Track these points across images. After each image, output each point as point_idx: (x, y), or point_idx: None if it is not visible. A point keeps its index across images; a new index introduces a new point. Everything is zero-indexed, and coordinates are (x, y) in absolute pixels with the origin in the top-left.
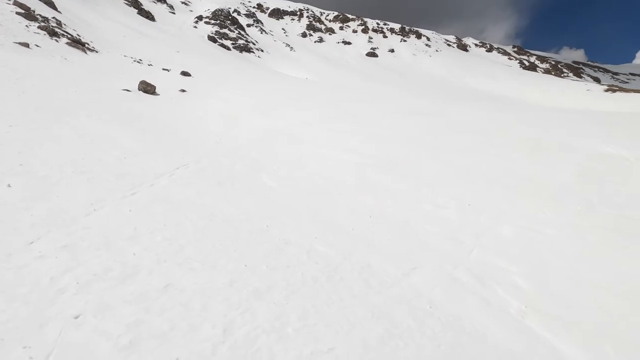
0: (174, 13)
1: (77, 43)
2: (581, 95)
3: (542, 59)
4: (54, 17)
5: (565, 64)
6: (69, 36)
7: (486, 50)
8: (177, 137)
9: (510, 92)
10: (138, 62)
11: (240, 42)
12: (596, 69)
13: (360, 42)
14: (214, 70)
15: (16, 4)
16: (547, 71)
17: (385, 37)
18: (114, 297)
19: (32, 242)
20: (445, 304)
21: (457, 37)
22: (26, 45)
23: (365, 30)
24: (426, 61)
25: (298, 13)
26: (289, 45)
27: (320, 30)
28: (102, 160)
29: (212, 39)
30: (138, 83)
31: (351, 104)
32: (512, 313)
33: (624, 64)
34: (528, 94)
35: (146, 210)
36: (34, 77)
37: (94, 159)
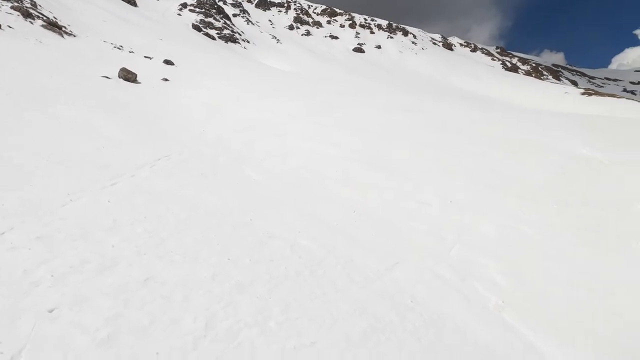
0: None
1: (53, 26)
2: (560, 98)
3: (524, 61)
4: None
5: (546, 66)
6: (44, 18)
7: (470, 50)
8: (159, 127)
9: (493, 93)
10: (118, 48)
11: (226, 32)
12: (574, 73)
13: (348, 37)
14: (198, 59)
15: None
16: (528, 73)
17: (372, 33)
18: (91, 290)
19: (3, 233)
20: (427, 300)
21: (442, 36)
22: None
23: (352, 26)
24: (412, 59)
25: (285, 5)
26: (276, 37)
27: (307, 23)
28: (80, 149)
29: (196, 27)
30: (118, 70)
31: (338, 97)
32: (490, 308)
33: (600, 69)
34: (510, 95)
35: (126, 201)
36: (6, 60)
37: (71, 148)
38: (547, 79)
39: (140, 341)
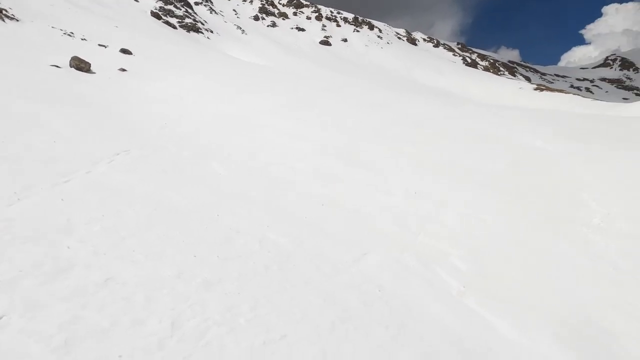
0: None
1: None
2: (515, 93)
3: (483, 57)
4: None
5: (502, 62)
6: None
7: (433, 46)
8: (116, 120)
9: (455, 87)
10: (69, 35)
11: (188, 20)
12: (527, 69)
13: (314, 29)
14: (159, 49)
15: None
16: (486, 69)
17: (338, 25)
18: (45, 295)
19: None
20: (393, 288)
21: (407, 31)
22: None
23: (319, 18)
24: (378, 53)
25: None
26: (241, 28)
27: (273, 14)
28: (29, 144)
29: (156, 15)
30: (70, 59)
31: (307, 92)
32: (453, 293)
33: (551, 66)
34: (470, 90)
35: (81, 200)
36: None
37: (18, 143)
38: (503, 74)
39: (100, 344)
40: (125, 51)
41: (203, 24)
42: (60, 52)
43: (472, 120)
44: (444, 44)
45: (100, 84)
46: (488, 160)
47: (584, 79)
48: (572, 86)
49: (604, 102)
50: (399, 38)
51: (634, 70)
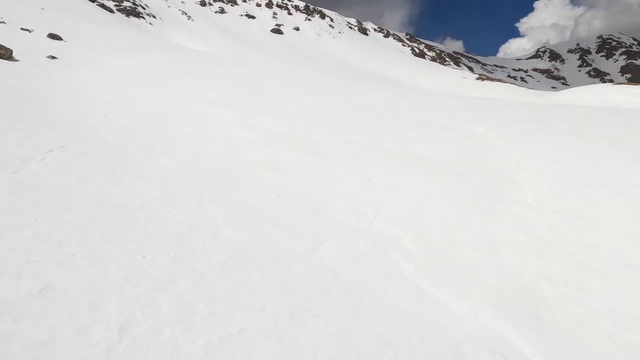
0: None
1: None
2: (459, 82)
3: (430, 48)
4: None
5: (448, 53)
6: None
7: (384, 36)
8: (48, 113)
9: (404, 77)
10: None
11: (127, 4)
12: (470, 60)
13: (265, 17)
14: (94, 34)
15: None
16: (433, 59)
17: (290, 14)
18: None
19: None
20: (349, 274)
21: (358, 21)
22: None
23: (269, 5)
24: (330, 42)
25: None
26: (186, 14)
27: (221, 0)
28: None
29: None
30: None
31: (259, 81)
32: (405, 275)
33: (490, 56)
34: (419, 79)
35: (8, 203)
36: None
37: None
38: (449, 64)
39: (38, 359)
40: (54, 36)
41: (144, 9)
42: None
43: (420, 109)
44: (393, 35)
45: (25, 73)
46: (435, 147)
47: (519, 69)
48: (509, 76)
49: (536, 91)
50: (351, 28)
51: (560, 62)
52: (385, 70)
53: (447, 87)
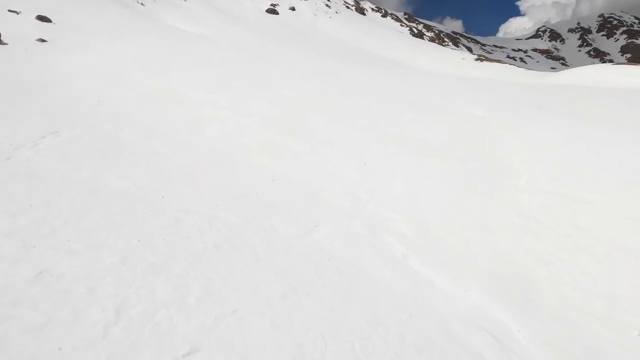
0: None
1: None
2: (458, 63)
3: (428, 28)
4: None
5: (446, 33)
6: None
7: (381, 16)
8: (40, 98)
9: (402, 57)
10: None
11: None
12: (469, 40)
13: None
14: (84, 15)
15: None
16: (432, 39)
17: None
18: None
19: None
20: (343, 256)
21: (355, 0)
22: None
23: None
24: (327, 22)
25: None
26: None
27: None
28: None
29: None
30: None
31: (253, 64)
32: (398, 256)
33: (490, 37)
34: (417, 60)
35: (3, 189)
36: None
37: None
38: (447, 45)
39: (35, 340)
40: (43, 18)
41: None
42: None
43: (418, 91)
44: (391, 14)
45: (15, 57)
46: (432, 129)
47: (519, 50)
48: (508, 56)
49: (535, 72)
50: (348, 7)
51: (560, 41)
52: (383, 51)
53: (446, 68)
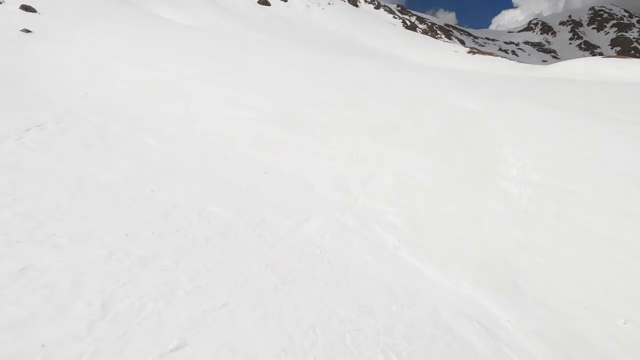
0: None
1: None
2: (451, 56)
3: (421, 20)
4: None
5: (439, 26)
6: None
7: (374, 7)
8: (25, 90)
9: (395, 50)
10: None
11: None
12: (462, 32)
13: None
14: (70, 5)
15: None
16: (424, 32)
17: None
18: None
19: None
20: (334, 248)
21: None
22: None
23: None
24: (319, 14)
25: None
26: None
27: None
28: None
29: None
30: None
31: (244, 56)
32: (388, 247)
33: (482, 29)
34: (410, 52)
35: None
36: None
37: None
38: (440, 37)
39: (18, 336)
40: (27, 8)
41: None
42: None
43: (410, 84)
44: (384, 6)
45: None
46: (424, 122)
47: (511, 42)
48: (500, 49)
49: (527, 65)
50: None
51: (552, 34)
52: (376, 43)
53: (438, 61)
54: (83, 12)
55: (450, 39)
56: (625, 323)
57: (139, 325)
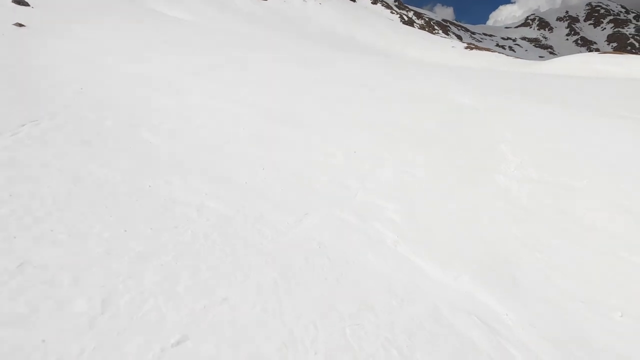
0: None
1: None
2: (448, 52)
3: (419, 15)
4: None
5: (437, 21)
6: None
7: (372, 2)
8: (19, 85)
9: (392, 46)
10: None
11: None
12: (459, 28)
13: None
14: (64, 0)
15: None
16: (422, 27)
17: None
18: None
19: None
20: (333, 243)
21: None
22: None
23: None
24: (316, 9)
25: None
26: None
27: None
28: None
29: None
30: None
31: (241, 51)
32: (388, 243)
33: (479, 25)
34: (407, 48)
35: None
36: None
37: None
38: (437, 33)
39: (17, 333)
40: (20, 2)
41: None
42: None
43: (407, 79)
44: (381, 1)
45: None
46: (422, 118)
47: (508, 38)
48: (497, 45)
49: (523, 60)
50: None
51: (549, 30)
52: (373, 39)
53: (436, 57)
54: (77, 6)
55: (448, 34)
56: (622, 316)
57: (140, 320)
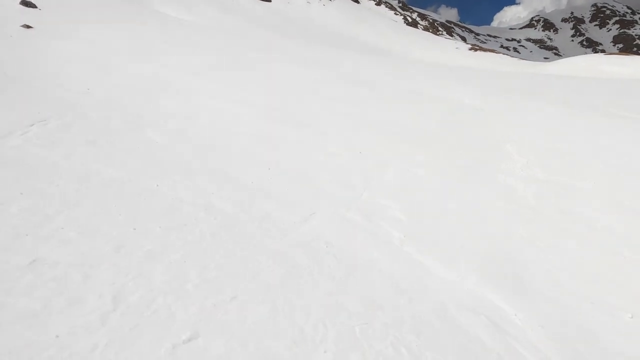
0: None
1: None
2: (452, 52)
3: (423, 17)
4: None
5: (441, 23)
6: None
7: (375, 4)
8: (27, 86)
9: (396, 47)
10: None
11: None
12: (463, 29)
13: None
14: (70, 1)
15: None
16: (426, 28)
17: None
18: None
19: None
20: (340, 242)
21: None
22: None
23: None
24: (320, 10)
25: None
26: None
27: None
28: None
29: None
30: None
31: (244, 52)
32: (394, 242)
33: (484, 26)
34: (411, 49)
35: None
36: None
37: None
38: (441, 34)
39: (31, 328)
40: (27, 3)
41: None
42: None
43: (411, 80)
44: (385, 2)
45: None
46: (424, 118)
47: (512, 39)
48: (502, 46)
49: (528, 61)
50: None
51: (554, 31)
52: (377, 40)
53: (440, 58)
54: (83, 8)
55: (452, 35)
56: (632, 317)
57: (150, 317)
